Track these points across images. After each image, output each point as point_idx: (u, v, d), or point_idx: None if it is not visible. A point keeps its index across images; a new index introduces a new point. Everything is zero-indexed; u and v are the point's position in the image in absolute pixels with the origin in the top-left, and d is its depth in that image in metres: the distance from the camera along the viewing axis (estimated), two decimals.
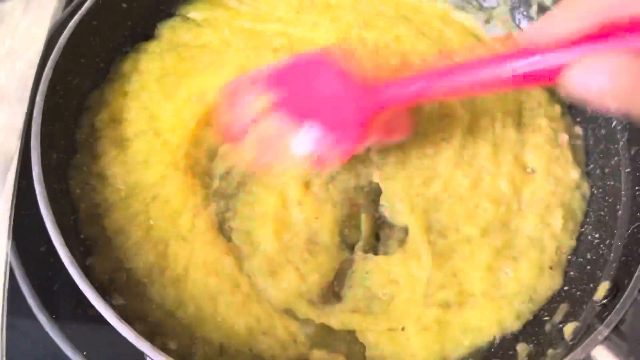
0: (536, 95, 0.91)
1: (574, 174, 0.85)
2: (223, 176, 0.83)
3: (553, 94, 0.93)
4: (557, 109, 0.91)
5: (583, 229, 0.84)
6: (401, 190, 0.82)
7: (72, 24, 0.80)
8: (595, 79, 0.49)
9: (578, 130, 0.91)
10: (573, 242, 0.82)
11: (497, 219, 0.81)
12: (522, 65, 0.58)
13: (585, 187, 0.86)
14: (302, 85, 0.75)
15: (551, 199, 0.83)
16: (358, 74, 0.74)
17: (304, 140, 0.73)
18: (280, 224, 0.79)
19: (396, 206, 0.82)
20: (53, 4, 1.07)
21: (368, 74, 0.75)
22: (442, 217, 0.81)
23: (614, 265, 0.75)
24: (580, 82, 0.51)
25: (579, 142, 0.90)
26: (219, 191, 0.82)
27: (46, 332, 0.78)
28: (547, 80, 0.56)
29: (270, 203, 0.80)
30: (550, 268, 0.79)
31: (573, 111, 0.93)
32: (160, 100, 0.85)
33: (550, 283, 0.78)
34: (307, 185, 0.81)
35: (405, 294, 0.76)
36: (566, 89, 0.52)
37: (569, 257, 0.81)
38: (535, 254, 0.79)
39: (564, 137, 0.88)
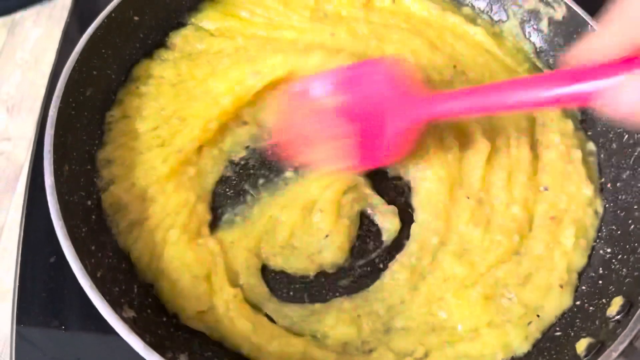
0: (549, 111, 0.91)
1: (587, 190, 0.84)
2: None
3: (565, 109, 0.92)
4: (570, 124, 0.90)
5: (595, 244, 0.83)
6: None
7: (84, 37, 0.80)
8: (631, 99, 0.51)
9: (591, 146, 0.90)
10: (584, 260, 0.81)
11: (510, 250, 0.80)
12: (566, 90, 0.59)
13: (598, 204, 0.85)
14: (360, 89, 0.78)
15: (564, 216, 0.82)
16: (410, 84, 0.76)
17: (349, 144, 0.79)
18: (302, 219, 0.81)
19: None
20: (64, 15, 1.08)
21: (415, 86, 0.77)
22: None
23: (627, 280, 0.74)
24: (617, 103, 0.52)
25: (592, 159, 0.89)
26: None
27: (55, 342, 0.78)
28: (585, 101, 0.57)
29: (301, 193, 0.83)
30: (560, 287, 0.78)
31: (584, 126, 0.92)
32: (183, 101, 0.87)
33: (560, 302, 0.77)
34: (344, 192, 0.83)
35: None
36: (603, 110, 0.54)
37: (580, 274, 0.80)
38: (544, 275, 0.78)
39: (577, 154, 0.87)
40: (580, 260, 0.81)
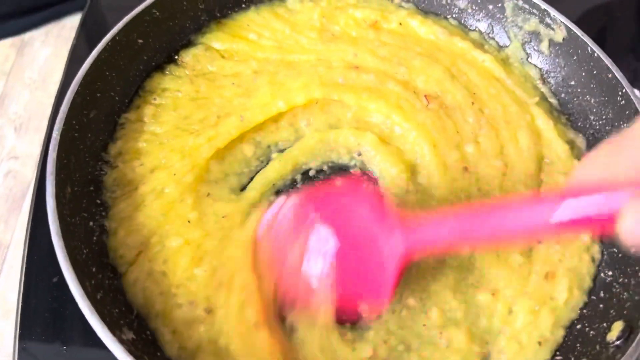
0: (557, 148, 0.89)
1: (584, 236, 0.81)
2: None
3: (573, 147, 0.91)
4: (576, 164, 0.88)
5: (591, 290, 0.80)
6: None
7: (88, 60, 0.81)
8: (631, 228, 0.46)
9: None
10: (574, 314, 0.77)
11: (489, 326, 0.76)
12: (568, 210, 0.52)
13: (596, 250, 0.82)
14: (339, 212, 0.71)
15: (557, 269, 0.79)
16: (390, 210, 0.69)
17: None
18: None
19: None
20: (72, 35, 1.10)
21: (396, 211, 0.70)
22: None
23: (628, 304, 0.74)
24: (633, 232, 0.47)
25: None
26: None
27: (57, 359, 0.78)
28: (595, 226, 0.52)
29: None
30: (539, 344, 0.74)
31: None
32: (213, 112, 0.88)
33: (534, 358, 0.73)
34: None
35: None
36: (621, 238, 0.49)
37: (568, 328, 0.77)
38: (523, 338, 0.74)
39: None
40: (568, 315, 0.77)
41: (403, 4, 1.06)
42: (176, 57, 0.96)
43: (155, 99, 0.90)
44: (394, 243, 0.66)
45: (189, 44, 0.98)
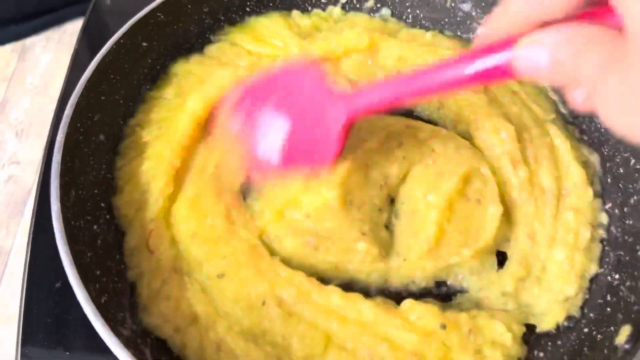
0: (574, 174, 0.86)
1: (585, 233, 0.81)
2: None
3: (587, 166, 0.89)
4: (590, 192, 0.85)
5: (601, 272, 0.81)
6: None
7: (93, 63, 0.81)
8: (537, 56, 0.48)
9: (603, 218, 0.85)
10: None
11: None
12: (479, 65, 0.57)
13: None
14: (287, 94, 0.77)
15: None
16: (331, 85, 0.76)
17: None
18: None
19: None
20: (73, 41, 1.10)
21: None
22: None
23: (635, 308, 0.73)
24: (525, 62, 0.49)
25: (601, 232, 0.84)
26: None
27: None
28: (505, 75, 0.55)
29: None
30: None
31: (605, 187, 0.88)
32: None
33: None
34: None
35: None
36: (516, 71, 0.51)
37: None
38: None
39: (585, 235, 0.82)
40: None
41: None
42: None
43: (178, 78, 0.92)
44: (336, 111, 0.73)
45: (187, 51, 0.98)
